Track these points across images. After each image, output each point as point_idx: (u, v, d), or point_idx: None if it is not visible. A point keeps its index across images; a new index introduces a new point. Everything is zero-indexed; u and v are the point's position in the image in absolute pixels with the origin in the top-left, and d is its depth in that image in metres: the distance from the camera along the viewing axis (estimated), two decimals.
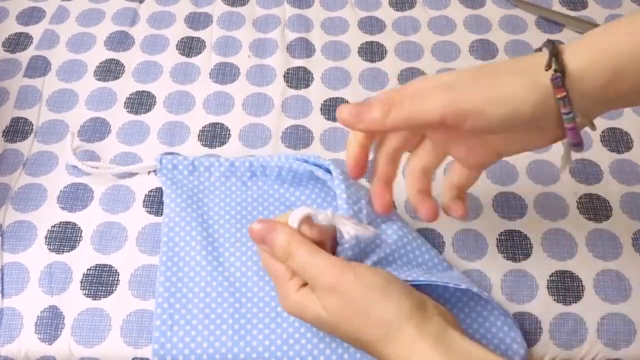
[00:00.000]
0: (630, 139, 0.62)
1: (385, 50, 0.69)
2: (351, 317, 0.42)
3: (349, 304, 0.42)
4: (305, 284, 0.44)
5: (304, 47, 0.69)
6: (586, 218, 0.57)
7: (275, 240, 0.44)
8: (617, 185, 0.59)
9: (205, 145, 0.61)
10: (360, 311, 0.42)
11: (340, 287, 0.42)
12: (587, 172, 0.60)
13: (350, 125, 0.43)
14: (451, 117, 0.40)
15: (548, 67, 0.39)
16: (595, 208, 0.58)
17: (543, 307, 0.53)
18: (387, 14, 0.73)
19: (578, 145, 0.41)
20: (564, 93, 0.38)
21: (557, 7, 0.73)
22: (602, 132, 0.63)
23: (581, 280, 0.54)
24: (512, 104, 0.39)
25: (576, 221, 0.57)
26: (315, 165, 0.56)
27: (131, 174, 0.59)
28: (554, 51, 0.39)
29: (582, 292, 0.53)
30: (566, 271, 0.54)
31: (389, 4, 0.74)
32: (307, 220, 0.45)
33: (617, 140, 0.62)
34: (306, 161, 0.57)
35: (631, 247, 0.56)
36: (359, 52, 0.69)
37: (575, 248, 0.55)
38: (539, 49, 0.40)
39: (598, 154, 0.61)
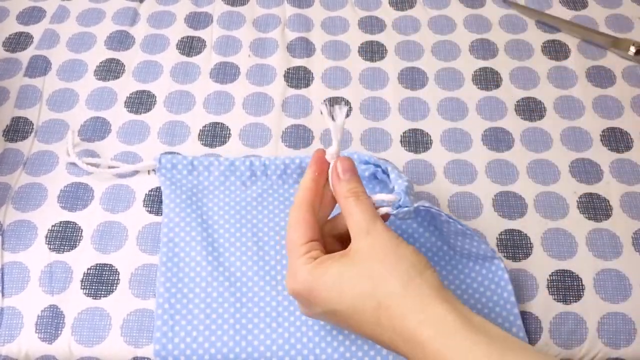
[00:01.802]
0: (630, 138, 0.62)
1: (386, 50, 0.69)
2: (380, 260, 0.41)
3: (381, 246, 0.42)
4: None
5: (304, 47, 0.69)
6: (586, 217, 0.57)
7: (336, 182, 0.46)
8: (617, 184, 0.59)
9: (205, 145, 0.61)
10: (389, 253, 0.42)
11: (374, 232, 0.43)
12: (587, 172, 0.60)
13: None
14: None
15: None
16: (595, 207, 0.58)
17: (543, 306, 0.53)
18: (387, 13, 0.73)
19: None
20: None
21: (556, 6, 0.73)
22: (602, 132, 0.62)
23: (581, 280, 0.54)
24: None
25: (576, 221, 0.57)
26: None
27: (131, 174, 0.59)
28: None
29: (582, 292, 0.53)
30: (566, 270, 0.54)
31: (389, 3, 0.74)
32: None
33: (617, 139, 0.62)
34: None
35: (631, 247, 0.55)
36: (359, 52, 0.69)
37: (576, 247, 0.55)
38: None
39: (598, 153, 0.61)
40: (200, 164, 0.58)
